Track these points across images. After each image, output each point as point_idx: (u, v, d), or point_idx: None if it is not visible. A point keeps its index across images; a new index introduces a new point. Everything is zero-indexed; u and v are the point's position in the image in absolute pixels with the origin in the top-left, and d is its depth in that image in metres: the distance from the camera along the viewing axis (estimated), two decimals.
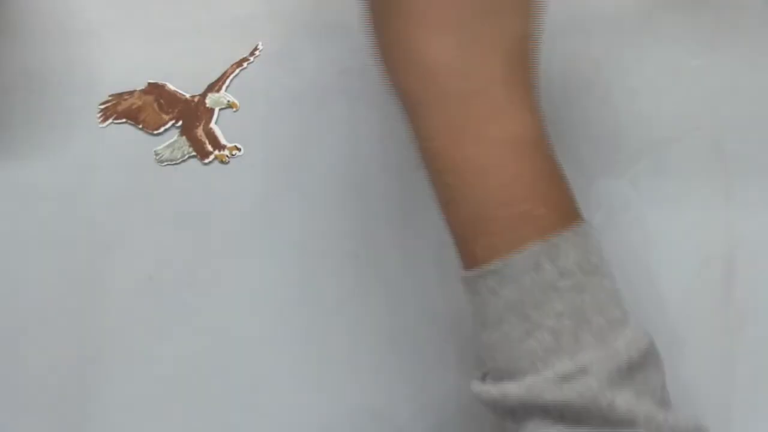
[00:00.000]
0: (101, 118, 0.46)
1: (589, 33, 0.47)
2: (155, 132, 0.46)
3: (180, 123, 0.46)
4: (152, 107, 0.47)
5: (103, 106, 0.47)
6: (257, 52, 0.47)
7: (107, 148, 0.46)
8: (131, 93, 0.47)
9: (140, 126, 0.46)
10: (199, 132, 0.46)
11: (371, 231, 0.46)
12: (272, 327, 0.46)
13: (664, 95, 0.47)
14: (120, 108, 0.47)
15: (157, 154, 0.46)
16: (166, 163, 0.46)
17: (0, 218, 0.47)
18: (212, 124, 0.46)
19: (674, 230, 0.47)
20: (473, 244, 0.32)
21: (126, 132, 0.46)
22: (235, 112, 0.46)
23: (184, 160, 0.46)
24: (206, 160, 0.46)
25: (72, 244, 0.46)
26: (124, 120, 0.46)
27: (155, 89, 0.47)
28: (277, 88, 0.47)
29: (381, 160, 0.47)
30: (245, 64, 0.47)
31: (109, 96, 0.47)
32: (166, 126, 0.46)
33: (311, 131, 0.47)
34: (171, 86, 0.47)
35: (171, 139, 0.46)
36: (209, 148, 0.46)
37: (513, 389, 0.30)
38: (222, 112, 0.46)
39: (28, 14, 0.48)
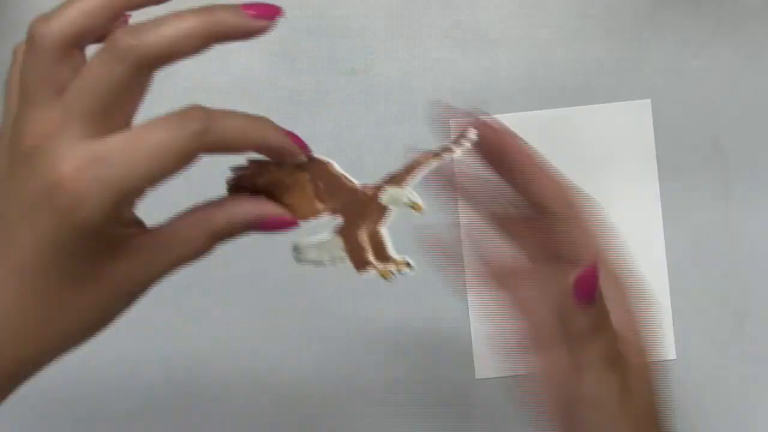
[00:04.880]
0: (231, 188, 0.33)
1: (590, 33, 0.47)
2: (301, 222, 0.34)
3: (339, 218, 0.34)
4: (305, 190, 0.34)
5: (234, 174, 0.34)
6: (466, 143, 0.34)
7: None
8: (280, 165, 0.34)
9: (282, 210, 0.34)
10: (362, 235, 0.34)
11: None
12: (272, 328, 0.46)
13: (664, 95, 0.47)
14: (260, 181, 0.34)
15: (297, 250, 0.34)
16: (303, 263, 0.34)
17: None
18: (382, 228, 0.34)
19: (674, 230, 0.47)
20: None
21: None
22: (419, 215, 0.34)
23: (330, 265, 0.35)
24: (362, 272, 0.34)
25: None
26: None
27: (316, 167, 0.34)
28: (277, 88, 0.47)
29: (381, 161, 0.47)
30: (446, 155, 0.34)
31: (247, 161, 0.34)
32: (318, 219, 0.34)
33: (311, 131, 0.47)
34: (338, 167, 0.34)
35: (321, 234, 0.34)
36: (370, 258, 0.34)
37: None
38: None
39: (28, 14, 0.47)
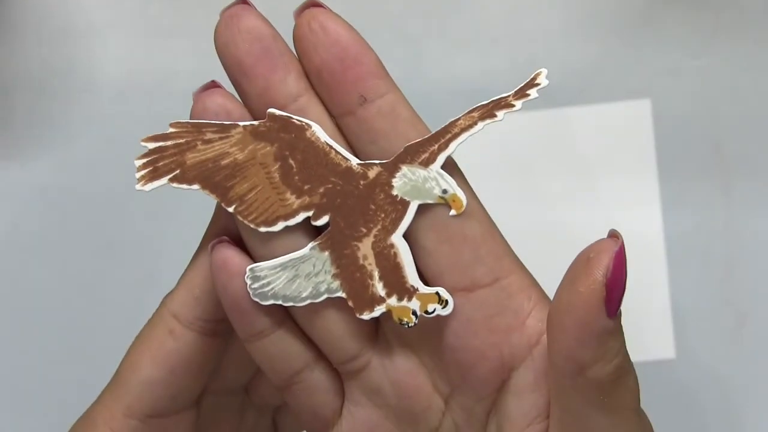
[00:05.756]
0: (144, 177, 0.21)
1: (589, 33, 0.47)
2: (263, 228, 0.21)
3: (323, 219, 0.21)
4: (267, 172, 0.21)
5: (153, 147, 0.21)
6: (533, 91, 0.21)
7: (108, 147, 0.46)
8: (225, 129, 0.21)
9: (232, 207, 0.21)
10: (364, 249, 0.21)
11: None
12: None
13: (664, 95, 0.47)
14: (192, 158, 0.21)
15: (255, 280, 0.21)
16: (271, 301, 0.21)
17: (0, 218, 0.47)
18: (397, 237, 0.21)
19: (674, 230, 0.47)
20: None
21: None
22: (456, 215, 0.21)
23: (315, 300, 0.22)
24: (365, 314, 0.21)
25: (72, 244, 0.46)
26: (194, 187, 0.21)
27: (284, 131, 0.21)
28: None
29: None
30: (502, 114, 0.21)
31: (172, 125, 0.21)
32: (291, 221, 0.21)
33: None
34: (321, 132, 0.21)
35: (296, 251, 0.22)
36: (378, 288, 0.21)
37: None
38: None
39: (28, 14, 0.48)
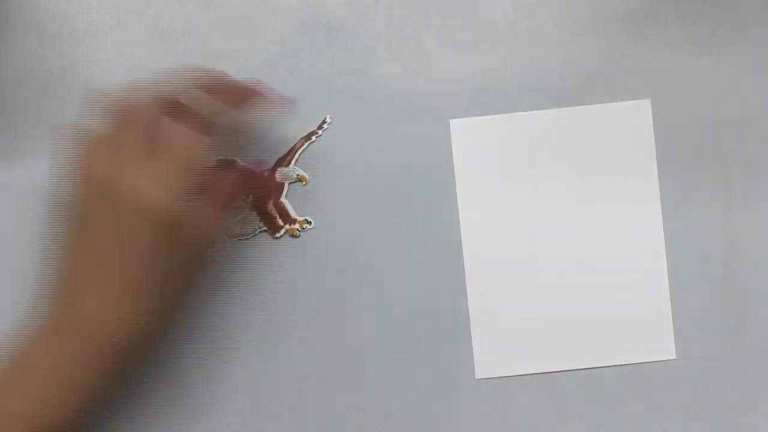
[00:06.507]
0: None
1: (589, 33, 0.47)
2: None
3: (250, 197, 0.46)
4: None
5: None
6: (325, 126, 0.46)
7: None
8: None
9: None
10: (270, 206, 0.45)
11: (375, 232, 0.46)
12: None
13: (664, 95, 0.47)
14: None
15: (228, 230, 0.45)
16: (237, 239, 0.45)
17: (0, 218, 0.47)
18: (282, 199, 0.46)
19: (674, 230, 0.47)
20: None
21: None
22: (304, 185, 0.46)
23: (254, 235, 0.45)
24: (277, 235, 0.45)
25: None
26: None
27: (225, 163, 0.45)
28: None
29: (381, 161, 0.47)
30: (314, 138, 0.46)
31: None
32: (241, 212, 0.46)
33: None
34: (240, 161, 0.46)
35: (241, 213, 0.45)
36: (279, 222, 0.45)
37: None
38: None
39: (28, 14, 0.48)
